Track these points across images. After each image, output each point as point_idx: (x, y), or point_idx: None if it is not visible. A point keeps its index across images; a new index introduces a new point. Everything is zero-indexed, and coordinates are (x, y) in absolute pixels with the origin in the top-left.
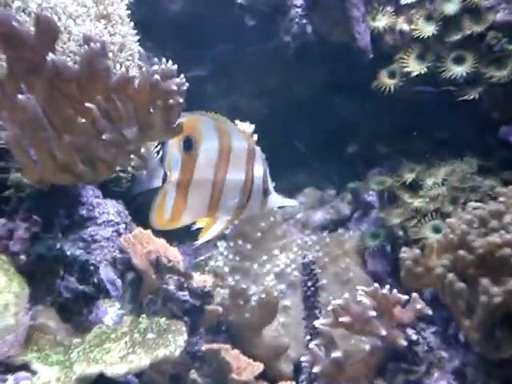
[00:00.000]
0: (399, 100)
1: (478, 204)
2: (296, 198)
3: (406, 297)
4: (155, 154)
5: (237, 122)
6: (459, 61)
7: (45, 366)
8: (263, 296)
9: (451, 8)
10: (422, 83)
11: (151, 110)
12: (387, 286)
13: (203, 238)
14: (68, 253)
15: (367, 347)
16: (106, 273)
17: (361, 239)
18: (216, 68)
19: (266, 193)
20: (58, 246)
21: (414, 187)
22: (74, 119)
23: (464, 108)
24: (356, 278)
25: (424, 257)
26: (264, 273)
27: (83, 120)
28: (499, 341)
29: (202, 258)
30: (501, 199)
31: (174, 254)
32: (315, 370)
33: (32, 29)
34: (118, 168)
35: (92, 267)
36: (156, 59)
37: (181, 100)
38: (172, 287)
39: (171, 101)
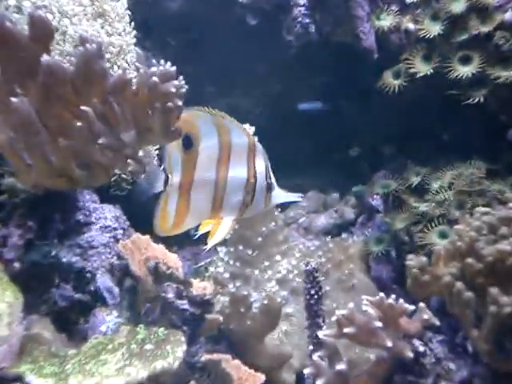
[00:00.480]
0: (405, 101)
1: (487, 209)
2: (299, 202)
3: (413, 307)
4: (154, 157)
5: None
6: (465, 61)
7: (39, 378)
8: (265, 302)
9: (458, 7)
10: (427, 84)
11: (149, 113)
12: (393, 296)
13: (211, 242)
14: (64, 260)
15: (372, 357)
16: (103, 280)
17: (365, 244)
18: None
19: (269, 188)
20: (54, 253)
21: (420, 191)
22: (69, 122)
23: (471, 110)
24: (360, 284)
25: (431, 264)
26: (265, 279)
27: (79, 123)
28: (508, 352)
29: (202, 263)
30: (510, 205)
31: (173, 260)
32: (319, 382)
33: (26, 28)
34: (117, 172)
35: (88, 274)
36: (154, 60)
37: (180, 103)
38: (171, 295)
39: (170, 103)
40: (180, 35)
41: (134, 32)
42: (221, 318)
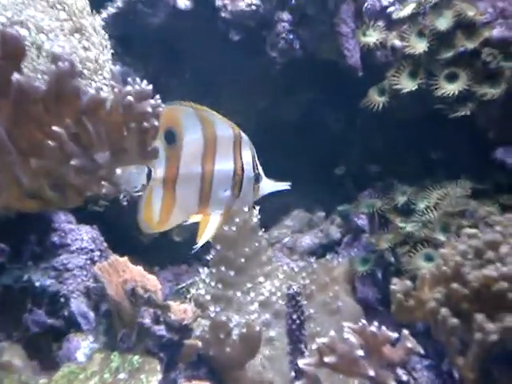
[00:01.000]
0: (391, 118)
1: (473, 231)
2: (284, 220)
3: (396, 334)
4: None
5: None
6: (452, 78)
7: None
8: (244, 330)
9: (444, 24)
10: (413, 101)
11: (125, 133)
12: (375, 323)
13: (202, 240)
14: (37, 284)
15: None
16: (78, 305)
17: (350, 264)
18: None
19: (257, 179)
20: (26, 276)
21: (406, 210)
22: (41, 142)
23: (459, 127)
24: (345, 307)
25: (416, 289)
26: (248, 301)
27: (52, 143)
28: (494, 381)
29: (184, 284)
30: (497, 228)
31: (152, 282)
32: None
33: None
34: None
35: (62, 299)
36: (130, 79)
37: (156, 122)
38: (147, 321)
39: (146, 123)
40: (162, 50)
41: (111, 49)
42: (200, 344)
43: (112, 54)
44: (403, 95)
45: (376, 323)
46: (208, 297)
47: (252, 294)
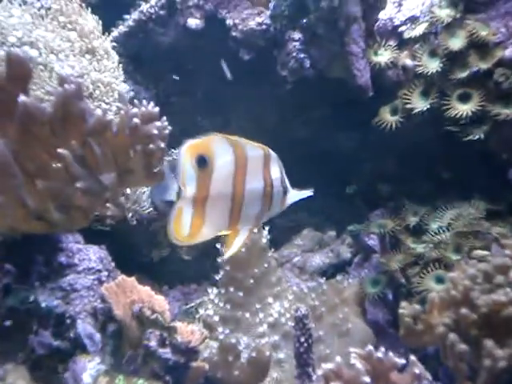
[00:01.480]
0: (403, 138)
1: (484, 253)
2: (294, 239)
3: (403, 361)
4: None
5: None
6: (464, 98)
7: None
8: (254, 354)
9: (456, 43)
10: (426, 120)
11: (131, 155)
12: (382, 349)
13: (230, 252)
14: (43, 305)
15: None
16: (84, 326)
17: (360, 286)
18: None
19: (285, 192)
20: (32, 298)
21: (418, 231)
22: (48, 164)
23: (472, 148)
24: (355, 329)
25: (425, 313)
26: (257, 323)
27: (58, 165)
28: None
29: (193, 304)
30: (507, 252)
31: (159, 302)
32: None
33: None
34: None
35: (69, 320)
36: (136, 101)
37: (162, 144)
38: (153, 343)
39: (152, 145)
40: (173, 69)
41: (122, 68)
42: (207, 366)
43: (123, 73)
44: (415, 115)
45: (383, 349)
46: (216, 318)
47: (261, 315)
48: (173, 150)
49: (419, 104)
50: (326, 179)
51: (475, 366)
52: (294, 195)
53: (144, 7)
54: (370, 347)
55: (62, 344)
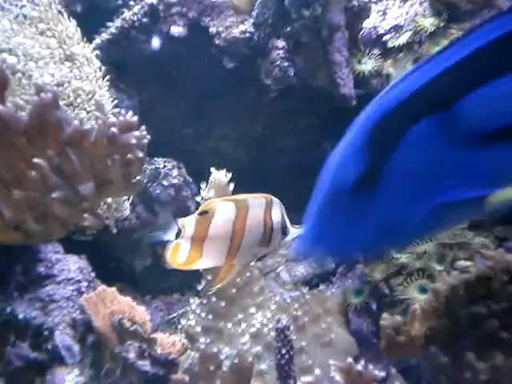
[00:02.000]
0: None
1: (467, 263)
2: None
3: (383, 374)
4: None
5: (212, 169)
6: None
7: None
8: (236, 361)
9: None
10: None
11: (109, 165)
12: (362, 362)
13: (220, 284)
14: (20, 316)
15: None
16: (62, 338)
17: (344, 295)
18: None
19: (284, 233)
20: (9, 309)
21: None
22: (24, 174)
23: None
24: (338, 339)
25: (406, 324)
26: (239, 333)
27: (34, 175)
28: None
29: (175, 314)
30: (488, 264)
31: (140, 313)
32: None
33: None
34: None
35: (47, 332)
36: (115, 110)
37: (141, 154)
38: (132, 355)
39: (130, 155)
40: (156, 77)
41: (104, 76)
42: (187, 378)
43: (106, 80)
44: None
45: (363, 361)
46: (198, 328)
47: (243, 326)
48: (155, 159)
49: None
50: (312, 188)
51: (456, 378)
52: (293, 233)
53: (127, 14)
54: (350, 360)
55: (40, 356)
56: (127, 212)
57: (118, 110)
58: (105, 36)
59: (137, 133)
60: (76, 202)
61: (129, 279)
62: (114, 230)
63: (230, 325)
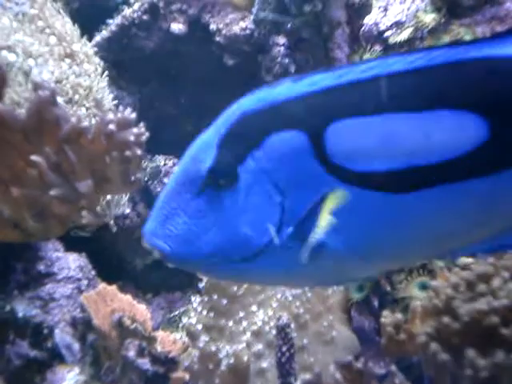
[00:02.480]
0: None
1: (468, 260)
2: None
3: (384, 371)
4: None
5: None
6: None
7: None
8: (232, 361)
9: None
10: None
11: (107, 162)
12: (362, 359)
13: None
14: (20, 315)
15: None
16: (62, 336)
17: (345, 293)
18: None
19: None
20: (9, 307)
21: None
22: (23, 171)
23: None
24: (340, 336)
25: (407, 322)
26: (240, 331)
27: (32, 172)
28: None
29: (176, 312)
30: (489, 260)
31: (141, 312)
32: None
33: None
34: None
35: (46, 330)
36: (114, 107)
37: (139, 151)
38: (131, 354)
39: (128, 152)
40: (157, 74)
41: (106, 72)
42: (187, 377)
43: (106, 77)
44: None
45: (363, 359)
46: (199, 326)
47: (244, 324)
48: (156, 157)
49: None
50: None
51: (457, 375)
52: None
53: (127, 12)
54: (350, 358)
55: (40, 354)
56: (125, 208)
57: (117, 107)
58: (105, 33)
59: (135, 130)
60: (74, 199)
61: (130, 277)
62: (114, 229)
63: (231, 323)
